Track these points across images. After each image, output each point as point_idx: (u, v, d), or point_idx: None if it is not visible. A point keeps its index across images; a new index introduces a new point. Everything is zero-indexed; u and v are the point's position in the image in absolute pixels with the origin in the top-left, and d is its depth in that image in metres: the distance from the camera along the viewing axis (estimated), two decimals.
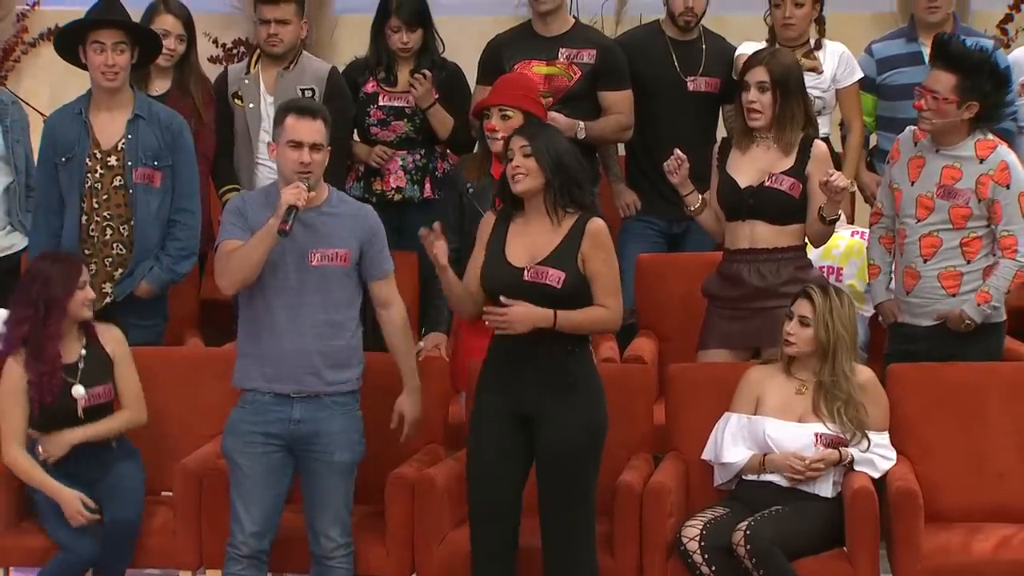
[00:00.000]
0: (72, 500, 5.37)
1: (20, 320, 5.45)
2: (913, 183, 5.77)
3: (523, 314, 4.95)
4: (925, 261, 5.74)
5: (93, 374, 5.53)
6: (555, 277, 5.00)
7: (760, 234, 5.75)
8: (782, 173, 5.73)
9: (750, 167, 5.78)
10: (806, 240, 5.83)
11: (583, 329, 5.05)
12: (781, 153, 5.75)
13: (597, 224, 5.07)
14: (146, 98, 6.06)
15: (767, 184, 5.73)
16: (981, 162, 5.69)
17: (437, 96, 6.54)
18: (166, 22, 6.50)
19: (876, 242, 5.96)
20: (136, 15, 6.14)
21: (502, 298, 4.97)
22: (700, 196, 5.86)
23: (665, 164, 5.81)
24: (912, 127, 5.88)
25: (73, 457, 5.46)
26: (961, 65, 5.64)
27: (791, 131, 5.74)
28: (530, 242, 5.06)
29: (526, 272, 5.02)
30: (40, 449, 5.45)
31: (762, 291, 5.74)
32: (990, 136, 5.77)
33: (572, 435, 5.01)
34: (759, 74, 5.72)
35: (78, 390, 5.48)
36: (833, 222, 5.70)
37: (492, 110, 5.74)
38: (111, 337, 5.62)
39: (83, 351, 5.55)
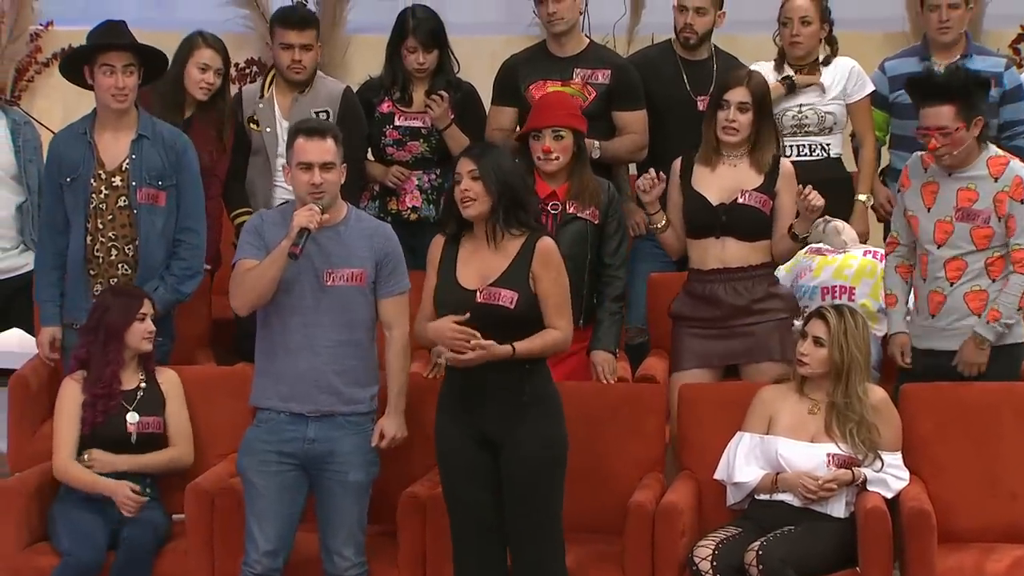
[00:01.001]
0: (120, 488, 5.49)
1: (81, 344, 5.71)
2: (930, 209, 5.75)
3: (481, 356, 4.90)
4: (952, 284, 5.72)
5: (148, 404, 5.68)
6: (507, 298, 4.98)
7: (731, 252, 5.79)
8: (753, 190, 5.75)
9: (718, 185, 5.81)
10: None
11: (541, 355, 5.03)
12: (751, 171, 5.79)
13: (546, 243, 5.06)
14: (150, 118, 6.05)
15: (740, 201, 5.75)
16: (996, 180, 5.68)
17: (453, 116, 6.55)
18: (205, 56, 6.49)
19: (892, 271, 5.90)
20: (141, 35, 6.13)
21: (454, 319, 4.93)
22: (665, 215, 5.89)
23: (638, 182, 5.82)
24: (919, 153, 5.87)
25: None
26: (951, 91, 5.62)
27: (767, 150, 5.80)
28: (481, 264, 5.04)
29: (478, 294, 5.00)
30: (87, 456, 5.58)
31: (740, 309, 5.79)
32: (1000, 152, 5.76)
33: (532, 455, 4.99)
34: (740, 94, 5.78)
35: (133, 416, 5.63)
36: (804, 240, 5.73)
37: (545, 132, 5.75)
38: (167, 378, 5.79)
39: (142, 383, 5.70)
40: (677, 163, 5.93)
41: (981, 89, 5.76)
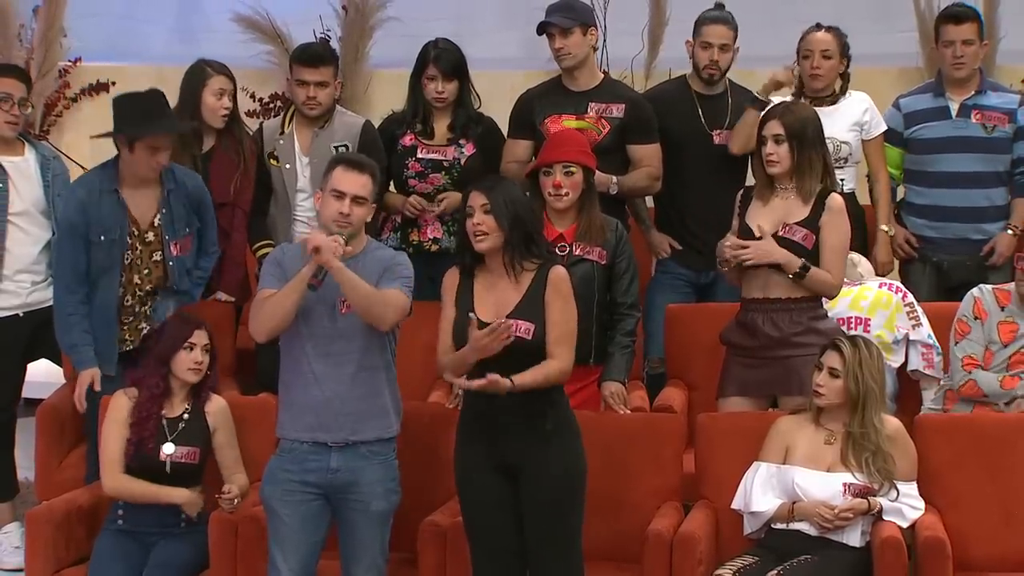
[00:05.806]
0: (186, 495, 5.57)
1: (141, 365, 5.73)
2: (1007, 345, 5.99)
3: (482, 386, 4.92)
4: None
5: (188, 435, 5.66)
6: (526, 329, 5.01)
7: (773, 283, 5.81)
8: (796, 224, 5.80)
9: (768, 217, 5.84)
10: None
11: (540, 386, 5.02)
12: (799, 203, 5.82)
13: (558, 272, 5.10)
14: (168, 168, 6.10)
15: (780, 234, 5.79)
16: None
17: (472, 152, 6.64)
18: (218, 82, 6.56)
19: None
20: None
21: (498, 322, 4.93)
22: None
23: (722, 251, 5.82)
24: (986, 287, 6.12)
25: (148, 510, 5.61)
26: None
27: (810, 180, 5.80)
28: (497, 296, 5.08)
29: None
30: (227, 492, 5.57)
31: (777, 341, 5.79)
32: None
33: (552, 484, 5.02)
34: (774, 127, 5.81)
35: (168, 447, 5.61)
36: (798, 275, 5.71)
37: (555, 167, 5.76)
38: (216, 408, 5.76)
39: (186, 413, 5.68)
40: (739, 194, 6.00)
41: None
